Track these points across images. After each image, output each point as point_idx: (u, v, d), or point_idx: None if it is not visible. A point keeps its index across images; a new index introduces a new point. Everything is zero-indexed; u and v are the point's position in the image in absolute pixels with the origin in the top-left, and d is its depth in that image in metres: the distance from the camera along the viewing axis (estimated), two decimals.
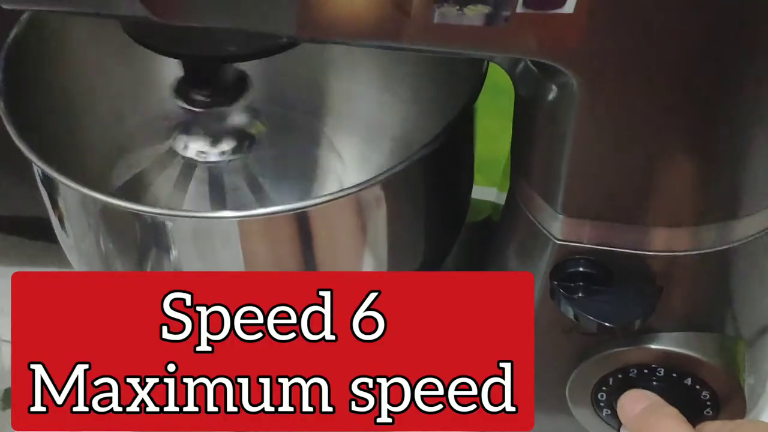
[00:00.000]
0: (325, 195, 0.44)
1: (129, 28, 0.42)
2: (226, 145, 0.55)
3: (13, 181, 0.81)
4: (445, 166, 0.49)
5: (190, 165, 0.55)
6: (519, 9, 0.33)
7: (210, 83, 0.49)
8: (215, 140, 0.55)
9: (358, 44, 0.37)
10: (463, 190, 0.55)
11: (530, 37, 0.34)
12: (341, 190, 0.44)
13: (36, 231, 0.91)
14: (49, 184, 0.48)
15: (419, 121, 0.59)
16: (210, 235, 0.46)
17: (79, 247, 0.51)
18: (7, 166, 0.79)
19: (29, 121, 0.47)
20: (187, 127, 0.55)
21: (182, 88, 0.49)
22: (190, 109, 0.49)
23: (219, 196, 0.58)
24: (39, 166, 0.44)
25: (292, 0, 0.33)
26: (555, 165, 0.40)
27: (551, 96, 0.38)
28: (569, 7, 0.32)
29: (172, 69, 0.57)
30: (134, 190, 0.59)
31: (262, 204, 0.59)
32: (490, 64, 0.48)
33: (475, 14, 0.33)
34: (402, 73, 0.60)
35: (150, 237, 0.46)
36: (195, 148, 0.54)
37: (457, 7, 0.33)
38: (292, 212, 0.44)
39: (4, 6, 0.36)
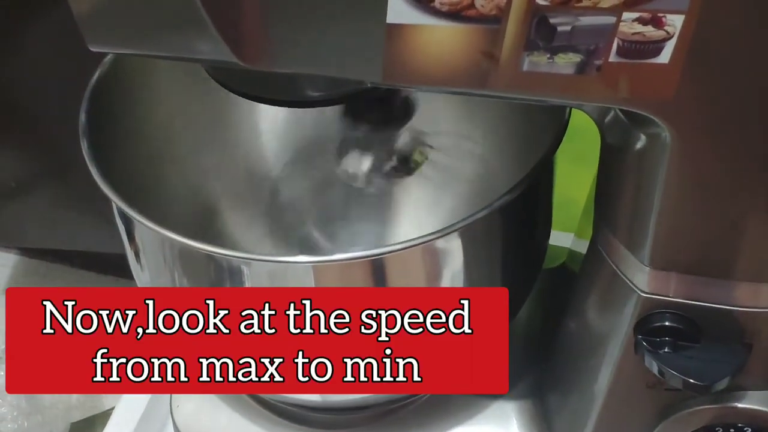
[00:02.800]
0: (402, 242, 0.43)
1: (212, 71, 0.42)
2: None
3: (89, 218, 0.83)
4: (523, 213, 0.48)
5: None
6: (612, 58, 0.32)
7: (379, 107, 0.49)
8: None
9: (442, 91, 0.37)
10: (541, 238, 0.54)
11: (622, 87, 0.33)
12: (418, 238, 0.43)
13: (106, 266, 0.93)
14: (127, 221, 0.49)
15: (494, 165, 0.59)
16: (285, 278, 0.45)
17: (154, 283, 0.51)
18: (84, 203, 0.81)
19: (110, 159, 0.48)
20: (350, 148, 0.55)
21: (351, 108, 0.49)
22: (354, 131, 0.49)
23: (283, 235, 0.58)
24: (119, 206, 0.45)
25: (379, 48, 0.33)
26: (642, 215, 0.39)
27: (641, 145, 0.37)
28: (665, 57, 0.32)
29: (248, 110, 0.58)
30: (209, 222, 0.59)
31: (334, 242, 0.59)
32: (572, 109, 0.47)
33: (566, 63, 0.32)
34: (479, 116, 0.59)
35: (225, 278, 0.46)
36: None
37: (548, 55, 0.32)
38: (368, 258, 0.44)
39: (92, 49, 0.36)
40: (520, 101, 0.38)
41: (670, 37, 0.31)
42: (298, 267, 0.44)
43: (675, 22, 0.31)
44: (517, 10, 0.31)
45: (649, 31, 0.31)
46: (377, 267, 0.45)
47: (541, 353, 0.56)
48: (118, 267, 0.57)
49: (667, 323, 0.42)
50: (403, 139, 0.54)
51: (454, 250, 0.45)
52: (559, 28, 0.31)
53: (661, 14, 0.31)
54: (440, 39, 0.32)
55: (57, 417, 0.84)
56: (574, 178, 0.58)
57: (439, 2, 0.31)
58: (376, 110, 0.48)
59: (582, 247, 0.51)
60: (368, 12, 0.32)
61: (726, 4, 0.30)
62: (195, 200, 0.60)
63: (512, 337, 0.61)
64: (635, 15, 0.31)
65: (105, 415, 0.80)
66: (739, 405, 0.44)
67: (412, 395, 0.57)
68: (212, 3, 0.31)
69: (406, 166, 0.54)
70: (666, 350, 0.42)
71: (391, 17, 0.32)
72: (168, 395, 0.62)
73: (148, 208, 0.44)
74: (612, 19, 0.31)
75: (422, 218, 0.63)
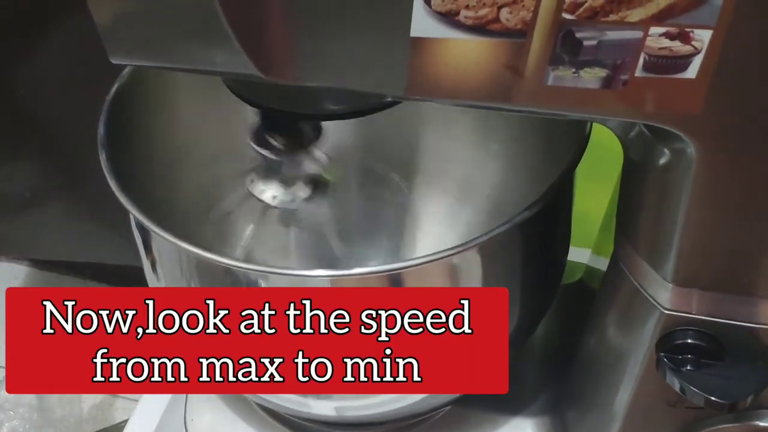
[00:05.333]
0: (421, 257, 0.43)
1: (231, 83, 0.42)
2: (302, 192, 0.55)
3: (101, 229, 0.83)
4: (543, 228, 0.48)
5: (268, 208, 0.56)
6: (638, 73, 0.32)
7: (287, 131, 0.49)
8: (290, 186, 0.55)
9: (465, 104, 0.37)
10: (560, 254, 0.53)
11: (648, 102, 0.33)
12: (437, 252, 0.43)
13: (117, 278, 0.93)
14: (144, 233, 0.49)
15: (513, 180, 0.58)
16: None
17: None
18: (96, 215, 0.81)
19: (127, 171, 0.48)
20: (265, 172, 0.55)
21: (259, 135, 0.49)
22: (267, 155, 0.49)
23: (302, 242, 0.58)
24: (138, 218, 0.45)
25: (403, 62, 0.33)
26: (666, 232, 0.38)
27: (665, 161, 0.37)
28: (692, 72, 0.31)
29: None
30: (226, 234, 0.59)
31: (350, 255, 0.58)
32: (593, 124, 0.46)
33: (591, 77, 0.32)
34: (498, 130, 0.59)
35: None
36: (271, 192, 0.55)
37: (573, 70, 0.32)
38: (386, 273, 0.43)
39: (114, 61, 0.36)
40: (543, 116, 0.38)
41: (698, 52, 0.31)
42: (316, 280, 0.44)
43: (703, 37, 0.30)
44: (543, 24, 0.31)
45: (677, 46, 0.31)
46: (395, 281, 0.44)
47: (558, 369, 0.56)
48: (129, 278, 0.57)
49: (689, 341, 0.41)
50: (311, 161, 0.54)
51: (472, 265, 0.45)
52: (585, 43, 0.31)
53: (688, 29, 0.30)
54: (464, 53, 0.32)
55: (68, 430, 0.84)
56: (591, 193, 0.57)
57: (464, 16, 0.31)
58: (282, 137, 0.48)
59: (600, 263, 0.51)
60: (392, 25, 0.32)
61: (755, 20, 0.30)
62: (211, 211, 0.60)
63: (530, 352, 0.61)
64: (662, 30, 0.30)
65: (116, 428, 0.80)
66: (762, 424, 0.43)
67: (428, 411, 0.57)
68: (236, 17, 0.31)
69: (318, 187, 0.55)
70: (688, 368, 0.41)
71: (415, 31, 0.32)
72: (183, 409, 0.62)
73: (165, 219, 0.44)
74: (639, 34, 0.31)
75: (440, 232, 0.63)
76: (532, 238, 0.47)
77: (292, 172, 0.54)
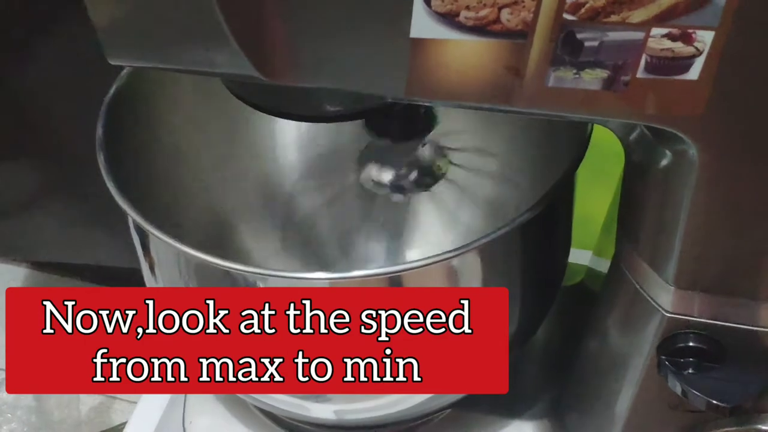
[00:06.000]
0: (421, 259, 0.43)
1: (230, 84, 0.42)
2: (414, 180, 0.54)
3: (101, 232, 0.83)
4: (544, 231, 0.48)
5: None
6: (640, 74, 0.31)
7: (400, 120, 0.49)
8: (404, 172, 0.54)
9: (465, 106, 0.37)
10: (561, 256, 0.53)
11: (650, 104, 0.32)
12: (437, 255, 0.43)
13: (117, 280, 0.93)
14: (142, 235, 0.48)
15: (512, 181, 0.58)
16: None
17: None
18: (95, 217, 0.81)
19: (125, 173, 0.47)
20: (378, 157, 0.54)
21: (373, 120, 0.48)
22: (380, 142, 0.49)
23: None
24: (136, 220, 0.44)
25: (403, 63, 0.32)
26: (667, 234, 0.38)
27: (667, 163, 0.37)
28: (694, 73, 0.31)
29: (265, 123, 0.58)
30: (224, 236, 0.59)
31: (349, 257, 0.58)
32: (594, 126, 0.46)
33: (592, 79, 0.32)
34: (498, 130, 0.59)
35: None
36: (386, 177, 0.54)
37: (574, 71, 0.32)
38: (385, 275, 0.43)
39: (112, 62, 0.36)
40: (543, 117, 0.38)
41: (700, 54, 0.31)
42: (315, 282, 0.44)
43: (705, 38, 0.30)
44: (544, 25, 0.31)
45: (679, 47, 0.31)
46: (395, 284, 0.44)
47: (559, 372, 0.56)
48: (128, 281, 0.56)
49: (691, 343, 0.41)
50: (424, 150, 0.53)
51: (473, 267, 0.45)
52: (587, 44, 0.31)
53: (691, 30, 0.30)
54: (464, 54, 0.32)
55: None
56: (592, 194, 0.57)
57: (464, 16, 0.31)
58: (397, 123, 0.48)
59: (601, 265, 0.50)
60: (392, 26, 0.31)
61: (758, 21, 0.30)
62: (210, 213, 0.60)
63: (530, 355, 0.61)
64: (664, 31, 0.30)
65: (115, 431, 0.80)
66: (763, 427, 0.43)
67: (427, 415, 0.57)
68: (235, 18, 0.31)
69: (427, 176, 0.54)
70: (690, 371, 0.41)
71: (415, 32, 0.31)
72: (181, 411, 0.61)
73: (163, 221, 0.44)
74: (641, 35, 0.30)
75: (440, 235, 0.63)
76: (532, 240, 0.46)
77: (404, 159, 0.54)
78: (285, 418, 0.59)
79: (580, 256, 0.61)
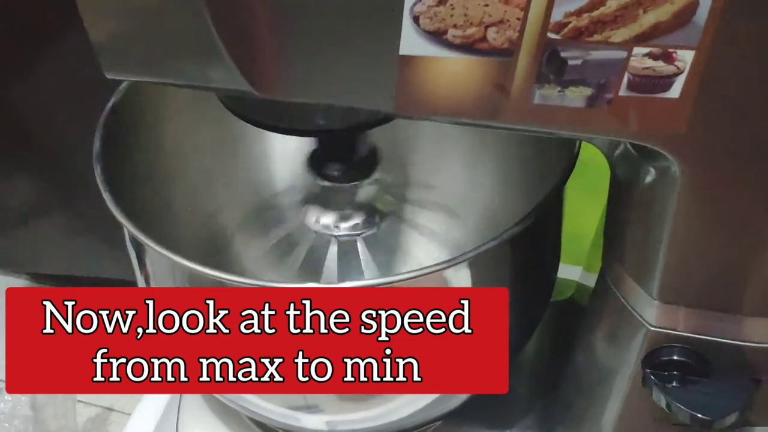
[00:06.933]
0: (411, 271, 0.43)
1: (225, 99, 0.42)
2: (359, 221, 0.55)
3: (99, 244, 0.83)
4: (532, 245, 0.48)
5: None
6: (622, 92, 0.32)
7: (344, 157, 0.50)
8: (347, 215, 0.56)
9: (453, 122, 0.37)
10: (549, 270, 0.54)
11: (632, 121, 0.33)
12: (427, 267, 0.43)
13: None
14: (138, 247, 0.49)
15: (503, 196, 0.59)
16: None
17: None
18: (94, 229, 0.81)
19: (122, 186, 0.48)
20: (316, 200, 0.56)
21: (315, 162, 0.49)
22: (322, 184, 0.50)
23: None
24: (131, 232, 0.45)
25: (392, 79, 0.33)
26: (651, 249, 0.39)
27: (650, 179, 0.37)
28: (675, 92, 0.32)
29: (259, 137, 0.58)
30: (219, 248, 0.59)
31: (342, 269, 0.59)
32: (582, 142, 0.47)
33: (576, 96, 0.33)
34: (488, 146, 0.59)
35: None
36: (329, 221, 0.55)
37: (559, 89, 0.33)
38: (376, 287, 0.44)
39: (109, 76, 0.37)
40: (530, 133, 0.38)
41: (681, 72, 0.31)
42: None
43: (685, 57, 0.31)
44: (529, 44, 0.32)
45: (660, 66, 0.31)
46: None
47: (548, 386, 0.56)
48: None
49: (675, 357, 0.42)
50: (366, 190, 0.54)
51: (462, 280, 0.45)
52: (570, 62, 0.32)
53: (671, 50, 0.31)
54: (452, 71, 0.33)
55: None
56: (583, 211, 0.58)
57: (452, 35, 0.32)
58: (340, 163, 0.49)
59: (591, 280, 0.51)
60: (382, 43, 0.32)
61: (736, 41, 0.30)
62: (205, 225, 0.60)
63: (520, 369, 0.61)
64: (646, 50, 0.31)
65: None
66: None
67: (418, 426, 0.57)
68: (228, 34, 0.32)
69: (371, 218, 0.55)
70: (674, 384, 0.42)
71: (404, 49, 0.32)
72: (174, 422, 0.62)
73: (159, 233, 0.45)
74: (623, 54, 0.31)
75: (431, 248, 0.63)
76: (521, 254, 0.47)
77: (347, 201, 0.55)
78: (278, 429, 0.59)
79: (570, 272, 0.62)
